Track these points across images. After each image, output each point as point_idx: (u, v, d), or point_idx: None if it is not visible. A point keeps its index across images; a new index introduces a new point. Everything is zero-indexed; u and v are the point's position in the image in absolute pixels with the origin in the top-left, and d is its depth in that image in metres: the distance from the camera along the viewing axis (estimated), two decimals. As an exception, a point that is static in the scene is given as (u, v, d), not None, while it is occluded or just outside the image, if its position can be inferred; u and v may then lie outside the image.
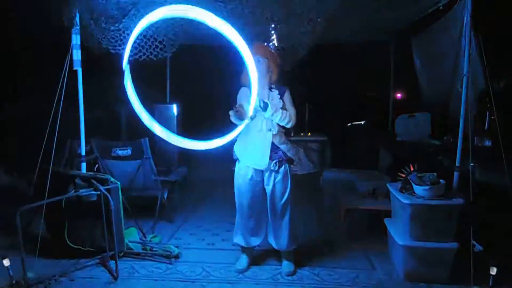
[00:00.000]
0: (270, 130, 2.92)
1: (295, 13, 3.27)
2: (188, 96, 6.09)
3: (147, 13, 2.51)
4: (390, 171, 4.17)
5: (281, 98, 2.98)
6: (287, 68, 3.48)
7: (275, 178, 2.96)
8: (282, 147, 2.96)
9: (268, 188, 2.99)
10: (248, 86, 2.99)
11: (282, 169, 2.96)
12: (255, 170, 2.97)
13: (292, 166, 3.06)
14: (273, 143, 2.92)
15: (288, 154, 2.97)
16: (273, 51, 2.99)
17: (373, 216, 3.66)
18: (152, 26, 3.32)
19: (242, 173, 3.01)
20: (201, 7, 2.42)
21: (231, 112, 2.72)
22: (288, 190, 2.98)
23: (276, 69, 2.97)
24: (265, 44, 3.01)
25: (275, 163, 2.93)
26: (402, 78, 5.52)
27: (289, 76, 3.09)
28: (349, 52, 5.70)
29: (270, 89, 2.99)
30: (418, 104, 4.97)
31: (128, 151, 3.89)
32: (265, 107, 2.80)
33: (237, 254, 3.22)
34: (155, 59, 3.54)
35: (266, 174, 2.98)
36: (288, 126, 2.96)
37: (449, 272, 2.83)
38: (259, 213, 3.08)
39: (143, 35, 3.39)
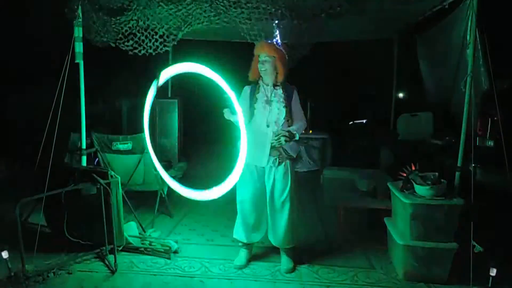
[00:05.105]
0: (268, 126, 2.91)
1: (299, 9, 3.24)
2: (190, 92, 6.07)
3: (149, 7, 2.50)
4: (391, 170, 4.15)
5: (289, 98, 2.95)
6: (289, 65, 3.45)
7: (275, 175, 2.95)
8: (284, 144, 2.92)
9: (268, 184, 2.98)
10: (253, 85, 2.99)
11: (282, 166, 2.94)
12: (256, 166, 2.97)
13: (294, 163, 3.02)
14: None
15: (289, 151, 2.95)
16: (281, 49, 2.93)
17: (373, 215, 3.66)
18: (154, 19, 3.30)
19: (244, 169, 2.98)
20: (203, 3, 2.40)
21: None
22: (288, 187, 2.95)
23: (282, 68, 2.93)
24: (274, 41, 2.96)
25: (275, 159, 2.93)
26: (405, 77, 5.49)
27: (291, 73, 3.06)
28: (352, 50, 5.66)
29: (274, 86, 2.98)
30: (421, 103, 4.94)
31: (128, 145, 3.88)
32: (291, 137, 2.87)
33: (236, 250, 3.21)
34: (154, 53, 3.51)
35: (267, 170, 2.97)
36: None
37: (448, 272, 2.83)
38: (260, 209, 3.07)
39: (143, 29, 3.37)
